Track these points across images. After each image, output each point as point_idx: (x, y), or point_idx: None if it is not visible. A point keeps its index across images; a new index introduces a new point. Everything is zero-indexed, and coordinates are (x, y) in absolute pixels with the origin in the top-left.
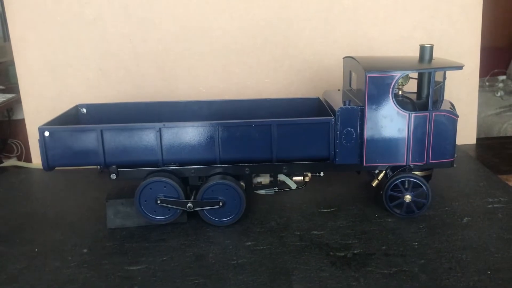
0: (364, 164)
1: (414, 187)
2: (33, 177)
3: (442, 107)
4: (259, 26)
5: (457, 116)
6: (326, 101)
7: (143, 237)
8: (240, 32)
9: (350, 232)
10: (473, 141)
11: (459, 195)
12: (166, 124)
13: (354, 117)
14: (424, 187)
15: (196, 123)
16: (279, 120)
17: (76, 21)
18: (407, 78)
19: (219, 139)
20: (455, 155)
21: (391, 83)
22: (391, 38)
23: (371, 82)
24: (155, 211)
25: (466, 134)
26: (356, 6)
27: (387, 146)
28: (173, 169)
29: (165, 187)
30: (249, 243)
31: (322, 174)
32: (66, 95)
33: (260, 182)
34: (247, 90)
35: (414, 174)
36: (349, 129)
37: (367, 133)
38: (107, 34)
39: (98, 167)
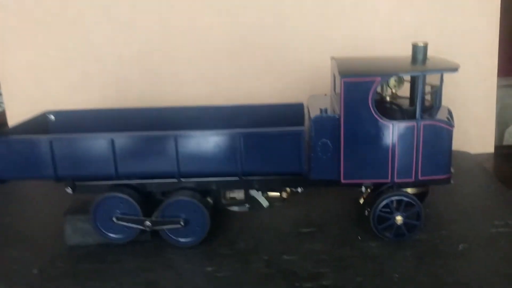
0: (342, 181)
1: (406, 206)
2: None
3: (438, 115)
4: (249, 25)
5: (452, 126)
6: (308, 108)
7: (99, 257)
8: (229, 32)
9: (325, 259)
10: (491, 150)
11: (460, 215)
12: (118, 134)
13: (331, 127)
14: (416, 206)
15: (152, 133)
16: (246, 131)
17: (57, 22)
18: (401, 81)
19: (178, 151)
20: (452, 171)
21: (371, 89)
22: (396, 36)
23: (347, 87)
24: (112, 229)
25: (483, 142)
26: (356, 2)
27: (367, 160)
28: (135, 183)
29: (121, 203)
30: (210, 268)
31: (300, 190)
32: (49, 99)
33: (234, 197)
34: (237, 94)
35: (406, 191)
36: (325, 140)
37: (344, 146)
38: (90, 36)
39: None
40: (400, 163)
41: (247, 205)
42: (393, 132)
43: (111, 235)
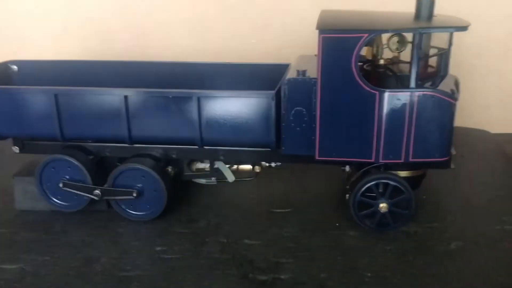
0: (317, 157)
1: (394, 192)
2: None
3: (442, 85)
4: None
5: (455, 99)
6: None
7: (45, 226)
8: None
9: (291, 247)
10: None
11: (463, 206)
12: (61, 89)
13: (306, 93)
14: (406, 192)
15: (99, 90)
16: (203, 92)
17: None
18: (403, 41)
19: (128, 112)
20: (453, 152)
21: (355, 48)
22: None
23: (326, 45)
24: (60, 196)
25: (505, 121)
26: None
27: (347, 135)
28: (88, 146)
29: (69, 167)
30: (159, 248)
31: (274, 164)
32: (29, 49)
33: (203, 169)
34: (228, 51)
35: (394, 174)
36: (300, 109)
37: (321, 116)
38: None
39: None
40: (388, 141)
41: (213, 179)
42: (380, 102)
43: (58, 201)
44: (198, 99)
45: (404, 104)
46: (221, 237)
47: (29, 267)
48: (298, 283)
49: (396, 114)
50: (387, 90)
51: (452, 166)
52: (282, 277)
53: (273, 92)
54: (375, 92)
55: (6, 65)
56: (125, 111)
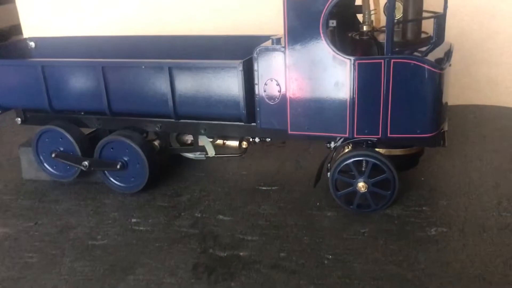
0: (289, 132)
1: (377, 170)
2: None
3: (433, 54)
4: None
5: (441, 69)
6: None
7: (41, 194)
8: None
9: (261, 224)
10: None
11: (461, 191)
12: (46, 61)
13: (279, 62)
14: (388, 172)
15: (74, 62)
16: (174, 62)
17: None
18: (400, 8)
19: (106, 84)
20: (445, 128)
21: (322, 10)
22: None
23: (291, 6)
24: (54, 166)
25: None
26: None
27: (319, 107)
28: (82, 118)
29: (61, 138)
30: (134, 220)
31: (258, 140)
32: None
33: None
34: (244, 25)
35: (374, 151)
36: (272, 80)
37: (290, 88)
38: None
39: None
40: (362, 114)
41: (197, 153)
42: (352, 71)
43: (53, 171)
44: (169, 69)
45: (379, 74)
46: (197, 212)
47: (13, 231)
48: (253, 262)
49: (371, 84)
50: (359, 57)
51: (445, 144)
52: (241, 254)
53: (240, 61)
54: (347, 60)
55: (25, 41)
56: (103, 83)
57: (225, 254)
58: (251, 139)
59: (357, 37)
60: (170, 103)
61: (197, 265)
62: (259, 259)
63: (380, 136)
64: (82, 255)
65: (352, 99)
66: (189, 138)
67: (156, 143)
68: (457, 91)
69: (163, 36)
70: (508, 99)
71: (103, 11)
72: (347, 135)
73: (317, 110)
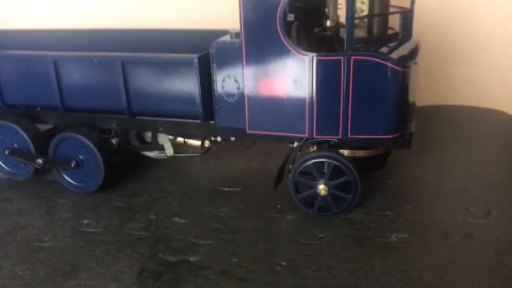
0: (248, 131)
1: (339, 172)
2: None
3: (398, 51)
4: None
5: (405, 67)
6: None
7: None
8: None
9: (216, 228)
10: None
11: (429, 195)
12: None
13: (236, 58)
14: (350, 174)
15: (25, 54)
16: (126, 56)
17: None
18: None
19: (58, 78)
20: (411, 129)
21: (279, 3)
22: None
23: (247, 0)
24: (9, 163)
25: None
26: None
27: (277, 106)
28: (39, 114)
29: (15, 135)
30: (87, 221)
31: (220, 139)
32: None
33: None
34: (205, 19)
35: (335, 152)
36: (230, 76)
37: (247, 85)
38: None
39: None
40: (321, 113)
41: (156, 152)
42: (311, 68)
43: (7, 169)
44: (122, 64)
45: (338, 71)
46: (152, 214)
47: None
48: (202, 267)
49: (330, 82)
50: (318, 54)
51: (410, 146)
52: (191, 259)
53: (196, 55)
54: (305, 56)
55: None
56: (54, 77)
57: (175, 259)
58: (212, 138)
59: (322, 33)
60: (124, 99)
61: (143, 270)
62: (208, 265)
63: (340, 136)
64: (25, 258)
65: (311, 98)
66: (150, 136)
67: (114, 141)
68: (433, 91)
69: (118, 30)
70: (485, 99)
71: (61, 3)
72: (306, 136)
73: (275, 109)
